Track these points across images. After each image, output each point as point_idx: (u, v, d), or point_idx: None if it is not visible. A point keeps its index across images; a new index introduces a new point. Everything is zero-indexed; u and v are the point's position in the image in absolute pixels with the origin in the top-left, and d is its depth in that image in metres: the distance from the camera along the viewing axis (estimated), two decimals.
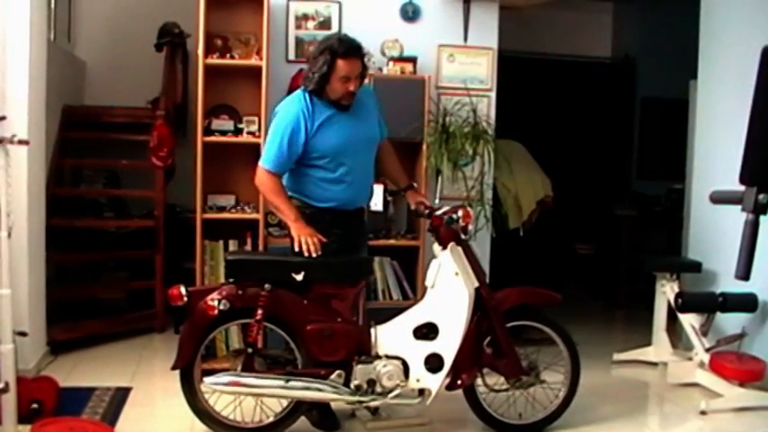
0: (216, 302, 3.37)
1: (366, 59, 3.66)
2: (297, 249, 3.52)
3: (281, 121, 3.57)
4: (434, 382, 3.49)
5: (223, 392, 3.43)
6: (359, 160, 3.70)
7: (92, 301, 5.77)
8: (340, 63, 3.47)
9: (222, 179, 4.80)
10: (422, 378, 3.50)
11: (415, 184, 4.05)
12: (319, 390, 3.41)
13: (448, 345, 3.47)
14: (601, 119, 8.18)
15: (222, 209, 4.72)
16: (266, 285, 3.40)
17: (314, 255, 3.46)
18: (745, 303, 4.45)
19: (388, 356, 3.48)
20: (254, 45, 4.80)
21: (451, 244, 3.55)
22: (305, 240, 3.49)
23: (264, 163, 3.60)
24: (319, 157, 3.59)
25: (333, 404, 3.74)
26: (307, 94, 3.57)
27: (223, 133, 4.67)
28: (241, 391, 3.44)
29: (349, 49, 3.52)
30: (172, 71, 6.07)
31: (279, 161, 3.57)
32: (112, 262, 6.07)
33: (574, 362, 3.76)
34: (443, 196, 4.81)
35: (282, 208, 3.61)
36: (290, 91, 5.10)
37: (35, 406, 3.52)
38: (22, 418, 3.36)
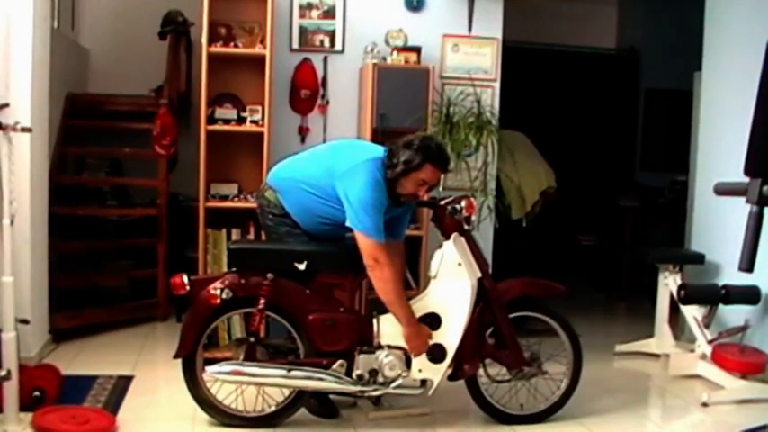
0: (218, 291, 3.37)
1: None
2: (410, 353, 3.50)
3: (367, 187, 3.40)
4: (436, 372, 3.50)
5: (225, 381, 3.44)
6: None
7: (94, 290, 5.76)
8: (428, 167, 3.43)
9: (225, 168, 4.80)
10: (424, 368, 3.49)
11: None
12: (321, 379, 3.42)
13: (450, 335, 3.48)
14: (605, 110, 8.16)
15: (225, 198, 4.73)
16: (269, 275, 3.40)
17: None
18: (748, 295, 4.44)
19: (390, 346, 3.48)
20: (257, 34, 4.79)
21: (454, 234, 3.55)
22: (417, 347, 3.46)
23: (371, 234, 3.38)
24: (339, 213, 3.49)
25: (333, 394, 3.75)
26: (381, 170, 3.46)
27: (226, 122, 4.67)
28: (243, 381, 3.45)
29: (442, 160, 3.53)
30: (175, 60, 6.06)
31: (381, 229, 3.43)
32: (115, 250, 6.05)
33: (576, 353, 3.76)
34: (447, 187, 4.81)
35: (403, 309, 3.45)
36: (294, 81, 5.12)
37: (37, 394, 3.51)
38: (24, 406, 3.37)
